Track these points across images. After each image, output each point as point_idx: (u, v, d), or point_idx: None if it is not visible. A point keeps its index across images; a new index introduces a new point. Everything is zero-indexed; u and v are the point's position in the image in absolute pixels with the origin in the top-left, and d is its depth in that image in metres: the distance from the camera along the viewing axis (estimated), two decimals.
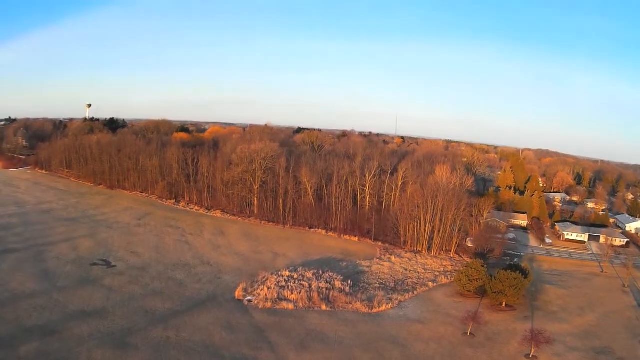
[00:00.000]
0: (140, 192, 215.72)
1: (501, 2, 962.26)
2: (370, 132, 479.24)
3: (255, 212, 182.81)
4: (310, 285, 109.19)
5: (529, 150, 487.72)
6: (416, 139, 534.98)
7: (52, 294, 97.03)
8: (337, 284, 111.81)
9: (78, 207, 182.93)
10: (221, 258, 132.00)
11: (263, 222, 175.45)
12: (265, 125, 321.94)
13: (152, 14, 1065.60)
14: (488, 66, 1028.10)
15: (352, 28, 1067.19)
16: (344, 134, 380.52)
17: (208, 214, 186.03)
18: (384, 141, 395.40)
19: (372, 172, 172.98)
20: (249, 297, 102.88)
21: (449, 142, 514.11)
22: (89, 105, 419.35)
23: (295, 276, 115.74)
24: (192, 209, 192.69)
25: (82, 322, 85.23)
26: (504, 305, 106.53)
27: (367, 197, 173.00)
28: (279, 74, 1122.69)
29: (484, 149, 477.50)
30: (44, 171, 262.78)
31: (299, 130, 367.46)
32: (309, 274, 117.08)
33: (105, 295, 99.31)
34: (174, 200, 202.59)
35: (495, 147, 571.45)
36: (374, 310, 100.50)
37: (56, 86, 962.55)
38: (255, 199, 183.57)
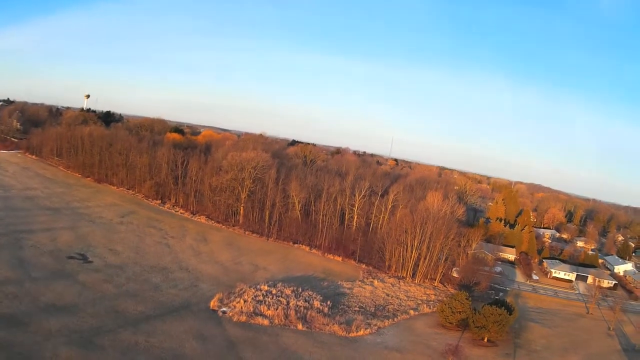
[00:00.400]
0: (127, 189, 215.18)
1: (503, 36, 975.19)
2: (364, 152, 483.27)
3: (241, 221, 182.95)
4: (288, 303, 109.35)
5: (522, 183, 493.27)
6: (410, 162, 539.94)
7: (24, 284, 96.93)
8: (316, 303, 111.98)
9: (63, 197, 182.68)
10: (201, 265, 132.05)
11: (247, 232, 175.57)
12: (260, 134, 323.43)
13: (160, 12, 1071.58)
14: (485, 97, 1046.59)
15: (356, 48, 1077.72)
16: (338, 151, 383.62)
17: (193, 218, 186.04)
18: (378, 162, 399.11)
19: (363, 192, 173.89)
20: (224, 309, 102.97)
21: (442, 168, 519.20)
22: (88, 96, 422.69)
23: (274, 291, 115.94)
24: (178, 211, 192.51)
25: (51, 316, 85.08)
26: (485, 340, 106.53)
27: (355, 217, 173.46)
28: (278, 85, 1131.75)
29: (477, 179, 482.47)
30: (34, 157, 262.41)
31: (294, 142, 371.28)
32: (288, 291, 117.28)
33: (78, 291, 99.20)
34: (160, 201, 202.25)
35: (488, 178, 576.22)
36: (352, 334, 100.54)
37: (57, 74, 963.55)
38: (242, 208, 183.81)
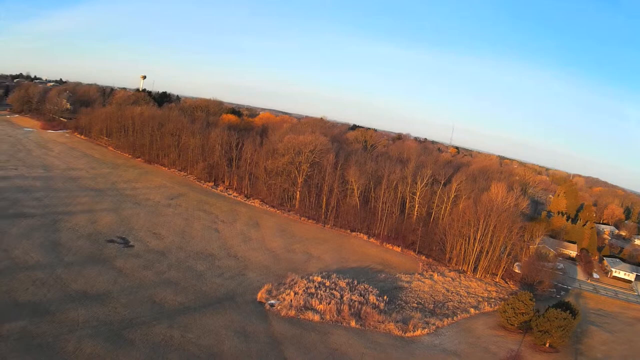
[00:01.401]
0: (179, 170, 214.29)
1: (567, 29, 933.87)
2: (425, 139, 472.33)
3: (296, 206, 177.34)
4: (341, 296, 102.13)
5: (580, 176, 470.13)
6: (470, 151, 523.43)
7: (55, 269, 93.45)
8: (372, 298, 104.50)
9: (108, 178, 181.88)
10: (250, 252, 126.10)
11: (303, 218, 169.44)
12: (321, 118, 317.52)
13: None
14: (545, 89, 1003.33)
15: (419, 36, 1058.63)
16: (399, 137, 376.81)
17: (246, 202, 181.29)
18: (439, 149, 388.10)
19: (425, 181, 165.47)
20: (271, 301, 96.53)
21: (501, 158, 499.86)
22: (144, 77, 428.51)
23: (327, 283, 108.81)
24: (230, 194, 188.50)
25: (80, 305, 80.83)
26: (547, 345, 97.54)
27: (416, 206, 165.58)
28: (341, 70, 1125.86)
29: (536, 170, 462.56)
30: (82, 137, 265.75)
31: (354, 127, 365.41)
32: (343, 283, 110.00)
33: (114, 278, 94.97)
34: (212, 184, 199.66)
35: (547, 170, 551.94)
36: (408, 335, 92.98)
37: (114, 56, 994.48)
38: (298, 192, 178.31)
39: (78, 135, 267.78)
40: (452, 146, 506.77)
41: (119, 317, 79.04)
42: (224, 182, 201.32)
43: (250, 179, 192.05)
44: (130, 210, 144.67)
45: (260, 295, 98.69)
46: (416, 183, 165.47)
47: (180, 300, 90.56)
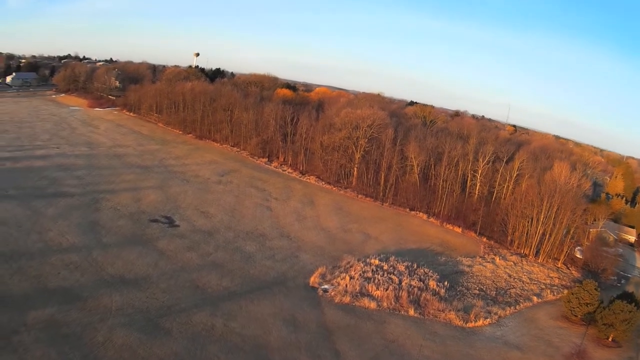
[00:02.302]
0: (231, 146, 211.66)
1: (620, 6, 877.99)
2: (482, 116, 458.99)
3: (354, 183, 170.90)
4: (400, 282, 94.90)
5: (633, 158, 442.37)
6: (526, 129, 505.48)
7: (92, 251, 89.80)
8: (432, 284, 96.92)
9: (156, 155, 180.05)
10: (304, 232, 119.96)
11: (360, 196, 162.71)
12: (378, 94, 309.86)
13: None
14: (597, 68, 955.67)
15: (474, 12, 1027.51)
16: (457, 114, 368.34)
17: (301, 178, 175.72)
18: (496, 127, 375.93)
19: (487, 158, 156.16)
20: (325, 286, 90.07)
21: (557, 137, 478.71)
22: (197, 54, 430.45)
23: (385, 267, 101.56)
24: (285, 171, 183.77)
25: (115, 290, 76.61)
26: (610, 339, 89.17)
27: (478, 184, 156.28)
28: (396, 47, 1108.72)
29: (592, 150, 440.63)
30: (131, 114, 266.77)
31: (412, 103, 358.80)
32: (402, 267, 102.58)
33: (154, 260, 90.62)
34: (266, 159, 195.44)
35: (601, 151, 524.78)
36: (469, 325, 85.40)
37: (166, 33, 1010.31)
38: (355, 169, 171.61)
39: (127, 113, 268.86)
40: (509, 124, 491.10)
41: (157, 304, 74.41)
42: (278, 157, 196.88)
43: (305, 154, 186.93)
44: (177, 187, 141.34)
45: (313, 279, 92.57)
46: (478, 160, 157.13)
47: (225, 284, 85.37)
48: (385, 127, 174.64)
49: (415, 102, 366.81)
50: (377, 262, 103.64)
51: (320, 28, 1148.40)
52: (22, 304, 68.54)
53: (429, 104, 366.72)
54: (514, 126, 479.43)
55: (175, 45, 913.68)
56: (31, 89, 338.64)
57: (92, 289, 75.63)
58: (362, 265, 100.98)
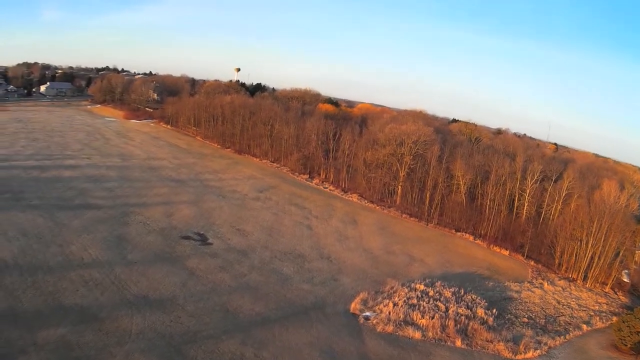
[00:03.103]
0: (271, 161, 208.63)
1: None
2: (524, 134, 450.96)
3: (397, 202, 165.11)
4: (447, 309, 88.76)
5: None
6: (567, 147, 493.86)
7: (114, 268, 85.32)
8: (480, 312, 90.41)
9: (193, 168, 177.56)
10: (345, 253, 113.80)
11: (404, 215, 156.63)
12: (420, 111, 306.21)
13: None
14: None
15: (515, 29, 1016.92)
16: (499, 131, 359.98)
17: (343, 196, 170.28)
18: (538, 145, 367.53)
19: (535, 177, 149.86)
20: (367, 313, 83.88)
21: (596, 156, 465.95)
22: (238, 70, 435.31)
23: (431, 293, 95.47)
24: (326, 188, 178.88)
25: (136, 312, 71.54)
26: None
27: (525, 204, 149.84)
28: (437, 62, 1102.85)
29: (632, 169, 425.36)
30: (168, 126, 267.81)
31: (454, 120, 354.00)
32: (448, 293, 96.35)
33: (183, 280, 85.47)
34: (307, 176, 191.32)
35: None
36: (518, 357, 79.20)
37: (206, 48, 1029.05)
38: (400, 187, 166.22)
39: (164, 125, 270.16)
40: (550, 142, 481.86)
41: (182, 329, 68.97)
42: (319, 174, 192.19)
43: (348, 171, 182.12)
44: (213, 202, 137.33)
45: (354, 305, 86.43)
46: (526, 179, 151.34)
47: (258, 309, 79.46)
48: (431, 143, 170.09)
49: (458, 120, 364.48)
50: (422, 287, 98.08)
51: (362, 45, 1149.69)
52: (33, 321, 64.28)
53: (470, 121, 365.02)
54: (555, 144, 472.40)
55: (216, 60, 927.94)
56: (66, 99, 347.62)
57: (111, 309, 70.90)
58: (406, 290, 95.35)
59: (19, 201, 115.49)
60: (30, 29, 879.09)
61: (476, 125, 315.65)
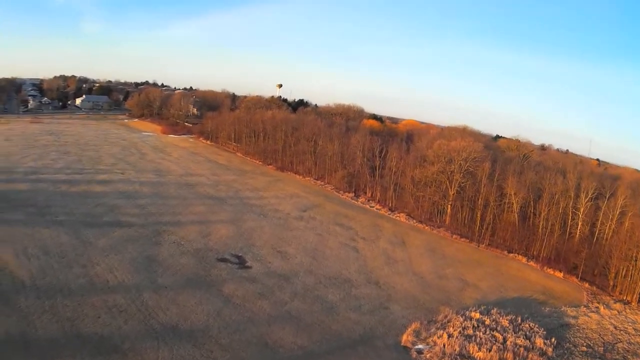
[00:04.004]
0: (315, 179, 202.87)
1: None
2: (567, 150, 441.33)
3: (447, 222, 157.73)
4: (504, 340, 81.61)
5: None
6: (607, 163, 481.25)
7: (142, 293, 79.17)
8: (539, 342, 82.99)
9: (232, 185, 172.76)
10: (394, 278, 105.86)
11: (454, 236, 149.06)
12: (465, 127, 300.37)
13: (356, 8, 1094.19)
14: None
15: (551, 46, 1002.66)
16: (543, 148, 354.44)
17: (390, 216, 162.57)
18: (581, 161, 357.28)
19: (589, 195, 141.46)
20: (419, 346, 76.55)
21: (637, 171, 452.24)
22: (280, 86, 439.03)
23: (487, 322, 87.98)
24: (373, 207, 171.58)
25: (164, 344, 64.94)
26: None
27: (579, 223, 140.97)
28: (478, 79, 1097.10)
29: None
30: (207, 142, 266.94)
31: (497, 137, 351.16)
32: (505, 321, 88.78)
33: (217, 308, 78.68)
34: (352, 194, 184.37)
35: None
36: None
37: (248, 64, 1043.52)
38: (449, 206, 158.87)
39: (203, 140, 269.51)
40: (592, 158, 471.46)
41: None
42: (365, 192, 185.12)
43: (395, 189, 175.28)
44: (253, 222, 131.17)
45: (406, 337, 78.60)
46: (580, 197, 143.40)
47: (301, 342, 72.02)
48: (482, 160, 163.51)
49: (501, 136, 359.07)
50: (477, 315, 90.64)
51: (406, 61, 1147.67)
52: (46, 350, 58.99)
53: (514, 137, 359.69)
54: (598, 160, 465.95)
55: (257, 76, 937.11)
56: (102, 112, 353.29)
57: (135, 340, 64.59)
58: (461, 319, 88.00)
59: (43, 216, 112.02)
60: (70, 43, 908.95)
61: (519, 141, 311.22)
